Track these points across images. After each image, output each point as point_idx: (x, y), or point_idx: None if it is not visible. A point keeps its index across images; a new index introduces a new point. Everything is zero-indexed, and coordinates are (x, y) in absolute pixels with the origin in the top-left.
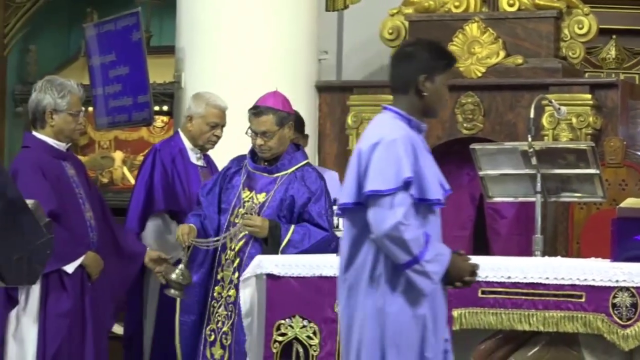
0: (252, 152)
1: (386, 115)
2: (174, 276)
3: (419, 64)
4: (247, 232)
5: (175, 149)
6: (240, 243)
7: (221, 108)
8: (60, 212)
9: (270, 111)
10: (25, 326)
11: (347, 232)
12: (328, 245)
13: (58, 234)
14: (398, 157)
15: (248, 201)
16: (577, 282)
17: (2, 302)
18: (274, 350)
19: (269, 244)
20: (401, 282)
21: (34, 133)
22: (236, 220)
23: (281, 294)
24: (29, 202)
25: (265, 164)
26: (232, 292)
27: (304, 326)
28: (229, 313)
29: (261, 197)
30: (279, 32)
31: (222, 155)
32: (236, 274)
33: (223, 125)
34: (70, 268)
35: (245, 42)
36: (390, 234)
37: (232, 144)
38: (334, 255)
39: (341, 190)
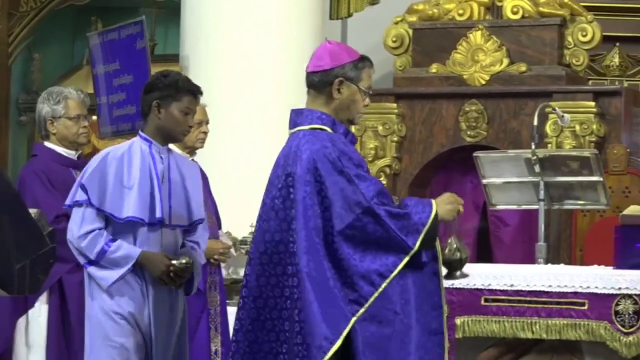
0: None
1: None
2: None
3: None
4: None
5: None
6: None
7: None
8: None
9: None
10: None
11: None
12: None
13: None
14: None
15: None
16: (579, 290)
17: (10, 308)
18: None
19: None
20: None
21: (44, 143)
22: None
23: None
24: (33, 211)
25: None
26: None
27: None
28: None
29: None
30: (283, 40)
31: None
32: None
33: None
34: None
35: (249, 50)
36: None
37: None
38: None
39: None
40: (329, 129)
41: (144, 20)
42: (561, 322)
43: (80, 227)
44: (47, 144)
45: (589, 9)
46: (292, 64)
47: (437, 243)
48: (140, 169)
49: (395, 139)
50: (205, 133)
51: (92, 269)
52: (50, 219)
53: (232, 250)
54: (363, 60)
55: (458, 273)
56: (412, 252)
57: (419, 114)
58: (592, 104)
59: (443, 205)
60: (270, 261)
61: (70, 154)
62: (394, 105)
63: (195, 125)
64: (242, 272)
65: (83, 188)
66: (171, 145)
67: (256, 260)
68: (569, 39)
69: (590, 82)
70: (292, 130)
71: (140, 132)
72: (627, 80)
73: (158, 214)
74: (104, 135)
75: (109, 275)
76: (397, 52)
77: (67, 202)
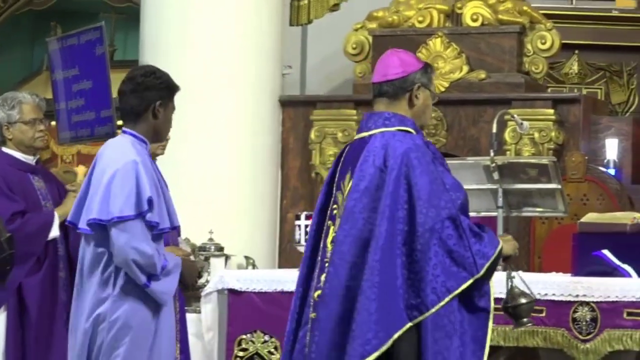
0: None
1: None
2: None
3: None
4: None
5: None
6: None
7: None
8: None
9: None
10: None
11: None
12: None
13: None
14: None
15: None
16: (537, 297)
17: None
18: None
19: None
20: None
21: (2, 148)
22: None
23: (243, 309)
24: None
25: None
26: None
27: (265, 341)
28: None
29: None
30: (242, 47)
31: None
32: None
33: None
34: None
35: (209, 56)
36: None
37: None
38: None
39: None
40: (414, 132)
41: (103, 26)
42: (519, 329)
43: (149, 243)
44: (4, 149)
45: (548, 16)
46: (252, 70)
47: (492, 281)
48: (151, 176)
49: None
50: (167, 140)
51: (155, 285)
52: (6, 219)
53: (192, 257)
54: (430, 66)
55: (525, 319)
56: (477, 276)
57: None
58: (551, 111)
59: (505, 241)
60: (353, 258)
61: (28, 159)
62: (354, 111)
63: None
64: (200, 279)
65: (150, 201)
66: None
67: (337, 261)
68: (528, 46)
69: (549, 89)
70: (375, 131)
71: (132, 132)
72: (585, 88)
73: (177, 221)
74: (63, 141)
75: (166, 288)
76: (356, 59)
77: (107, 216)
